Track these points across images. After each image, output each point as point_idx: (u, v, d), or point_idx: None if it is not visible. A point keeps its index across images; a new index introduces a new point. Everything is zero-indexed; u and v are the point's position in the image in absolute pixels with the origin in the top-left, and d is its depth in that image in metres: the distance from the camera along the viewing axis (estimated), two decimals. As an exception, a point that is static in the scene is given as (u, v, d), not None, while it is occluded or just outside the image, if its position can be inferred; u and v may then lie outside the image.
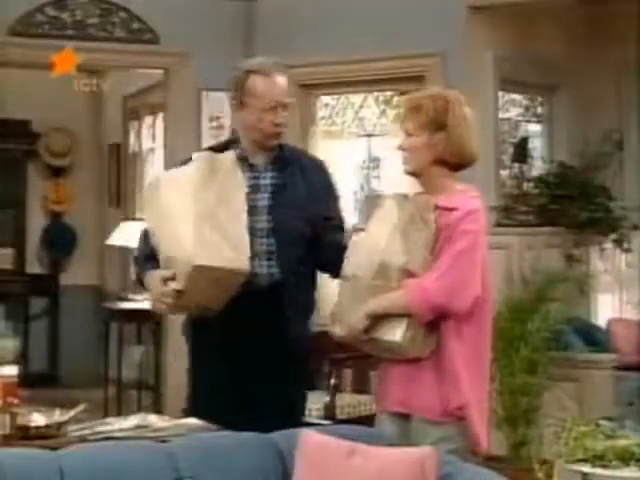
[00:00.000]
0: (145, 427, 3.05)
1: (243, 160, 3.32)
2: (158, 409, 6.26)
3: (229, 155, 3.25)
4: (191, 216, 3.10)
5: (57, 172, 8.96)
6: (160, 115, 7.37)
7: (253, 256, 3.18)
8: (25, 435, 2.98)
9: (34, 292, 8.67)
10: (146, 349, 7.17)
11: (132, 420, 3.09)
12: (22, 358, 6.64)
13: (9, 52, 6.19)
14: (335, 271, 3.20)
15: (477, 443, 3.03)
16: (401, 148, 3.12)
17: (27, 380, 3.71)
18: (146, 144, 8.49)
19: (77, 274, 8.81)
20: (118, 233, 7.87)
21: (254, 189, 3.30)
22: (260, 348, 3.27)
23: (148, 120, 8.40)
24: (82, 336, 8.46)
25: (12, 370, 3.12)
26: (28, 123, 8.66)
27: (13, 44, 6.17)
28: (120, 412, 6.31)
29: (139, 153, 8.63)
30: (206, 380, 3.35)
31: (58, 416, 3.05)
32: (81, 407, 3.05)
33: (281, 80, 3.35)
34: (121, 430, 3.01)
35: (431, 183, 3.09)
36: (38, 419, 3.05)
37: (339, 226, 3.37)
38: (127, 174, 8.69)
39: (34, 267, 8.84)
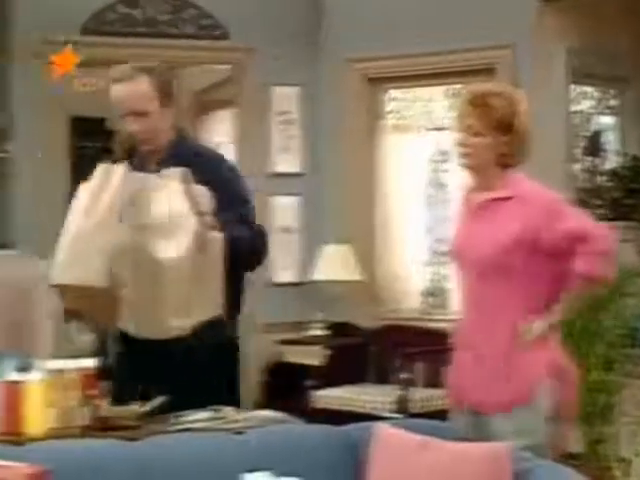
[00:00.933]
0: (220, 419, 3.10)
1: (139, 167, 3.27)
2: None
3: (121, 165, 3.18)
4: (72, 231, 3.11)
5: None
6: (229, 110, 7.44)
7: None
8: (104, 426, 3.04)
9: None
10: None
11: (207, 412, 3.14)
12: (98, 351, 6.74)
13: (81, 51, 6.28)
14: (239, 266, 3.23)
15: (555, 440, 3.02)
16: (464, 145, 3.10)
17: (103, 373, 3.78)
18: (216, 139, 8.57)
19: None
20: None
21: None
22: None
23: (217, 115, 8.48)
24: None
25: (91, 363, 3.19)
26: (104, 121, 8.78)
27: (85, 43, 6.28)
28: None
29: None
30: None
31: (137, 408, 3.11)
32: (159, 400, 3.11)
33: (133, 85, 3.26)
34: (197, 421, 3.06)
35: (488, 179, 3.09)
36: (117, 411, 3.12)
37: (233, 219, 3.24)
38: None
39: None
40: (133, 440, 2.86)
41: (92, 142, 8.54)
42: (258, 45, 6.58)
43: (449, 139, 6.65)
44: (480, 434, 3.00)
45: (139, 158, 3.33)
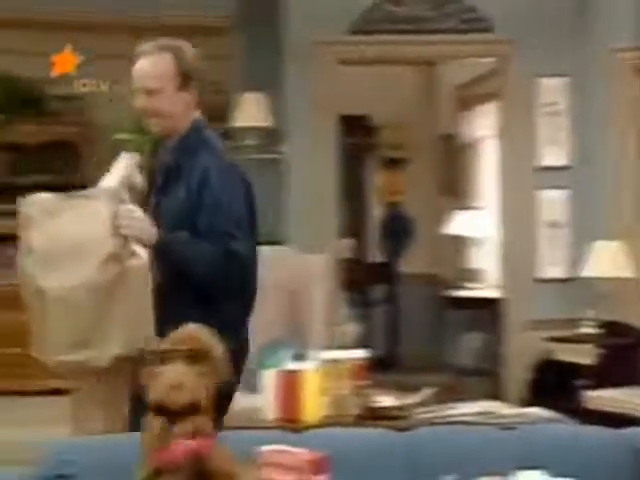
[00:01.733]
0: (490, 413, 3.10)
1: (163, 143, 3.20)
2: (497, 397, 6.28)
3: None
4: None
5: (393, 164, 9.22)
6: (492, 104, 7.38)
7: None
8: (374, 416, 3.11)
9: (374, 280, 9.00)
10: (483, 336, 7.22)
11: (477, 406, 3.14)
12: (366, 343, 6.90)
13: (350, 50, 6.46)
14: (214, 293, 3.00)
15: None
16: None
17: (371, 364, 3.86)
18: (478, 133, 8.53)
19: (414, 262, 9.02)
20: (452, 222, 7.98)
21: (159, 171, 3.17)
22: None
23: (480, 109, 8.43)
24: (420, 322, 8.65)
25: (361, 354, 3.27)
26: (367, 118, 8.98)
27: (353, 42, 6.43)
28: (458, 398, 6.39)
29: (471, 143, 8.69)
30: None
31: (406, 399, 3.16)
32: (429, 391, 3.14)
33: (145, 64, 3.10)
34: (466, 415, 3.08)
35: None
36: (386, 401, 3.18)
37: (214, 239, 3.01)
38: (459, 164, 8.78)
39: (374, 256, 9.17)
40: (403, 430, 2.89)
41: (357, 139, 8.74)
42: (521, 36, 6.49)
43: None
44: None
45: (163, 146, 3.22)
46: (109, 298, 2.82)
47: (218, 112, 7.01)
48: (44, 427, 5.63)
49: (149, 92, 3.06)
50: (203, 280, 2.98)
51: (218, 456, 2.19)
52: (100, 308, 2.81)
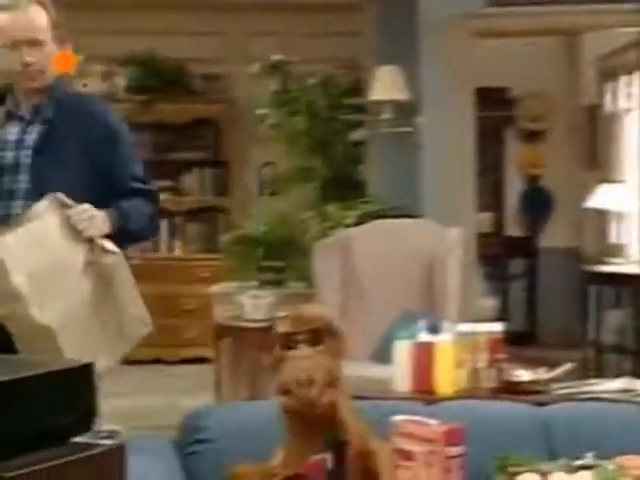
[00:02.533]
0: (631, 391, 3.03)
1: (12, 113, 2.97)
2: (638, 375, 6.13)
3: None
4: None
5: (533, 136, 9.07)
6: (636, 74, 7.16)
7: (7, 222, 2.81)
8: (511, 389, 3.08)
9: (513, 254, 8.90)
10: (625, 313, 7.05)
11: (617, 383, 3.08)
12: (503, 317, 6.83)
13: (486, 22, 6.36)
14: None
15: None
16: None
17: (508, 338, 3.83)
18: (622, 104, 8.29)
19: (554, 236, 8.87)
20: (595, 195, 7.79)
21: (19, 145, 2.93)
22: None
23: (623, 80, 8.19)
24: (560, 297, 8.51)
25: (498, 327, 3.24)
26: (506, 90, 8.85)
27: (490, 15, 6.33)
28: (598, 375, 6.27)
29: (615, 114, 8.46)
30: None
31: (543, 373, 3.12)
32: (568, 366, 3.09)
33: (30, 14, 2.91)
34: (606, 392, 3.02)
35: None
36: (523, 375, 3.15)
37: (138, 188, 2.95)
38: (603, 136, 8.55)
39: (512, 230, 9.06)
40: (541, 405, 2.86)
41: (494, 112, 8.63)
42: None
43: None
44: None
45: (13, 101, 3.00)
46: (98, 302, 2.75)
47: (354, 87, 7.07)
48: (189, 394, 5.82)
49: (34, 43, 2.92)
50: (152, 234, 3.08)
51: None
52: (96, 313, 2.75)
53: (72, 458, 1.59)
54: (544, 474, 2.38)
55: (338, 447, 2.19)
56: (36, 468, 1.52)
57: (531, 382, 3.09)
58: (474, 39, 6.27)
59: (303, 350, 2.22)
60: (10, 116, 2.97)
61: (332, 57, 7.52)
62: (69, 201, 2.77)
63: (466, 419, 2.43)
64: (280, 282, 6.11)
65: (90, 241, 2.76)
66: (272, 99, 6.80)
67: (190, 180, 8.32)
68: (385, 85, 6.33)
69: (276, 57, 6.81)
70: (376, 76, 6.40)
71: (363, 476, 2.21)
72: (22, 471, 1.49)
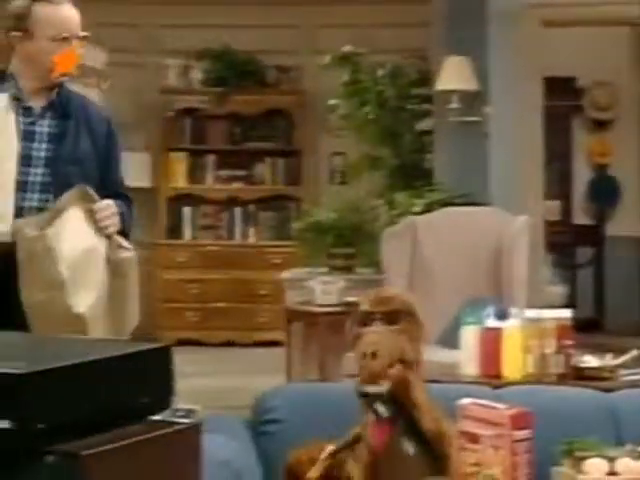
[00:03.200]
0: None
1: (17, 102, 2.91)
2: None
3: (1, 95, 2.86)
4: None
5: (601, 125, 9.01)
6: None
7: (20, 214, 2.81)
8: (578, 375, 3.10)
9: (580, 242, 8.87)
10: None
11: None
12: (570, 304, 6.83)
13: (555, 12, 6.35)
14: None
15: None
16: None
17: (575, 325, 3.85)
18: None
19: (621, 225, 8.80)
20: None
21: (28, 136, 2.90)
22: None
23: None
24: (626, 285, 8.46)
25: (566, 313, 3.27)
26: (573, 80, 8.80)
27: (558, 4, 6.32)
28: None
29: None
30: None
31: (610, 360, 3.14)
32: (635, 353, 3.11)
33: (72, 10, 2.92)
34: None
35: None
36: (591, 361, 3.17)
37: (121, 192, 2.98)
38: (672, 124, 8.46)
39: (580, 218, 9.01)
40: (608, 391, 2.88)
41: (561, 101, 8.59)
42: None
43: None
44: None
45: (22, 94, 2.94)
46: (110, 297, 2.81)
47: (422, 77, 7.10)
48: (261, 376, 5.94)
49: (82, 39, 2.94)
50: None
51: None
52: (110, 307, 2.80)
53: (150, 435, 1.63)
54: (611, 459, 2.40)
55: (412, 428, 2.24)
56: (116, 445, 1.55)
57: (598, 368, 3.11)
58: (543, 28, 6.27)
59: (377, 327, 2.29)
60: (16, 105, 2.92)
61: (401, 48, 7.56)
62: (95, 195, 2.82)
63: (533, 404, 2.44)
64: (349, 268, 6.20)
65: (108, 236, 2.82)
66: (342, 90, 6.88)
67: (263, 169, 8.41)
68: (453, 75, 6.36)
69: (346, 48, 6.89)
70: (444, 66, 6.43)
71: (434, 458, 2.26)
72: (102, 448, 1.52)
